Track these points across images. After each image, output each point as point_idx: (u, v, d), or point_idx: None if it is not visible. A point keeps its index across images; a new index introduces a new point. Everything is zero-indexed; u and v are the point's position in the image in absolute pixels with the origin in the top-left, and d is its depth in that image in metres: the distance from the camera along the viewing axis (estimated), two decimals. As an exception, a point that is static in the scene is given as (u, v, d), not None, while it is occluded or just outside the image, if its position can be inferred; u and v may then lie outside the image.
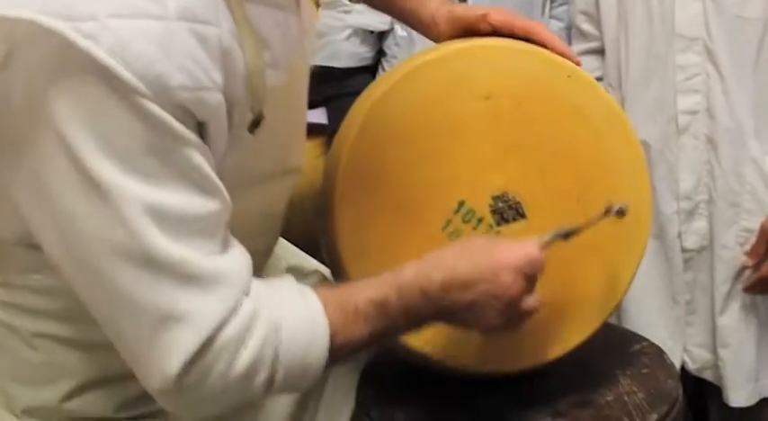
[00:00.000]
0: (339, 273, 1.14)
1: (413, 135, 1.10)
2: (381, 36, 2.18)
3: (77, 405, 1.06)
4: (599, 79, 1.79)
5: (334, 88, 2.19)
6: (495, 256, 0.98)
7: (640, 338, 1.35)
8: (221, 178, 0.88)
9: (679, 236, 1.73)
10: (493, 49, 1.15)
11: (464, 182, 1.10)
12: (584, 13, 1.86)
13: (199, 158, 0.84)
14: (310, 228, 1.23)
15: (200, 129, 0.86)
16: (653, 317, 1.78)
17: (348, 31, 2.17)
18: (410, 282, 0.96)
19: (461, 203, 1.11)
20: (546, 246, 1.02)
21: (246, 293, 0.88)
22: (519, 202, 1.12)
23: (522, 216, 1.12)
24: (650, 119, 1.70)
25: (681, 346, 1.79)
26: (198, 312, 0.84)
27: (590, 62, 1.81)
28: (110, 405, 1.06)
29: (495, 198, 1.11)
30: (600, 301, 1.16)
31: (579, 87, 1.14)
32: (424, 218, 1.10)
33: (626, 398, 1.17)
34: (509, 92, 1.11)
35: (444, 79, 1.11)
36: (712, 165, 1.69)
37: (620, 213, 1.07)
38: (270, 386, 0.90)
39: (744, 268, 1.71)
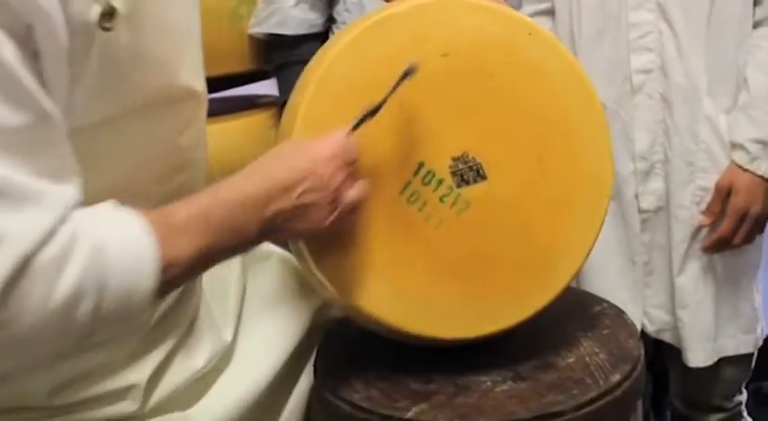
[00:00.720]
0: (296, 245, 1.11)
1: (369, 95, 1.06)
2: (331, 2, 2.13)
3: (6, 393, 0.99)
4: (552, 40, 1.77)
5: (284, 56, 2.14)
6: (308, 152, 0.98)
7: (600, 300, 1.35)
8: (99, 98, 0.82)
9: (636, 196, 1.73)
10: (449, 5, 1.12)
11: (423, 142, 1.08)
12: (535, -28, 1.83)
13: (10, 57, 0.76)
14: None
15: (28, 33, 0.78)
16: (612, 281, 1.78)
17: None
18: (228, 195, 0.93)
19: (421, 165, 1.08)
20: (354, 129, 1.02)
21: (65, 220, 0.81)
22: (479, 163, 1.10)
23: (483, 177, 1.10)
24: (604, 79, 1.68)
25: (641, 309, 1.79)
26: (12, 231, 0.77)
27: (541, 23, 1.76)
28: (41, 391, 1.00)
29: (456, 159, 1.09)
30: (563, 264, 1.15)
31: (539, 45, 1.12)
32: (381, 181, 1.07)
33: (588, 359, 1.16)
34: (466, 49, 1.09)
35: (400, 37, 1.08)
36: (667, 125, 1.69)
37: (411, 71, 1.04)
38: (96, 316, 0.82)
39: (700, 227, 1.71)
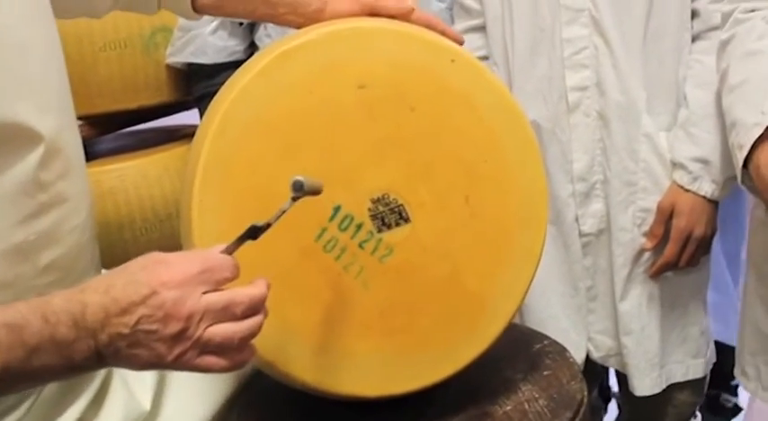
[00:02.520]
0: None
1: (279, 131, 0.99)
2: (252, 28, 2.05)
3: None
4: (484, 58, 1.71)
5: (204, 87, 2.06)
6: (155, 271, 0.80)
7: (542, 336, 1.29)
8: None
9: (576, 219, 1.67)
10: (366, 32, 1.05)
11: (339, 183, 1.00)
12: (467, -13, 1.76)
13: None
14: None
15: None
16: (554, 308, 1.72)
17: (215, 24, 2.02)
18: (59, 307, 0.78)
19: (337, 209, 1.01)
20: (233, 249, 0.85)
21: None
22: (401, 205, 1.03)
23: (406, 220, 1.03)
24: (539, 97, 1.63)
25: (584, 336, 1.73)
26: None
27: (474, 40, 1.73)
28: None
29: (375, 201, 1.02)
30: (497, 309, 1.08)
31: (464, 73, 1.05)
32: (294, 227, 0.98)
33: (527, 406, 1.11)
34: (385, 79, 1.02)
35: (313, 67, 1.00)
36: (605, 144, 1.63)
37: (315, 192, 0.89)
38: None
39: (643, 250, 1.65)
